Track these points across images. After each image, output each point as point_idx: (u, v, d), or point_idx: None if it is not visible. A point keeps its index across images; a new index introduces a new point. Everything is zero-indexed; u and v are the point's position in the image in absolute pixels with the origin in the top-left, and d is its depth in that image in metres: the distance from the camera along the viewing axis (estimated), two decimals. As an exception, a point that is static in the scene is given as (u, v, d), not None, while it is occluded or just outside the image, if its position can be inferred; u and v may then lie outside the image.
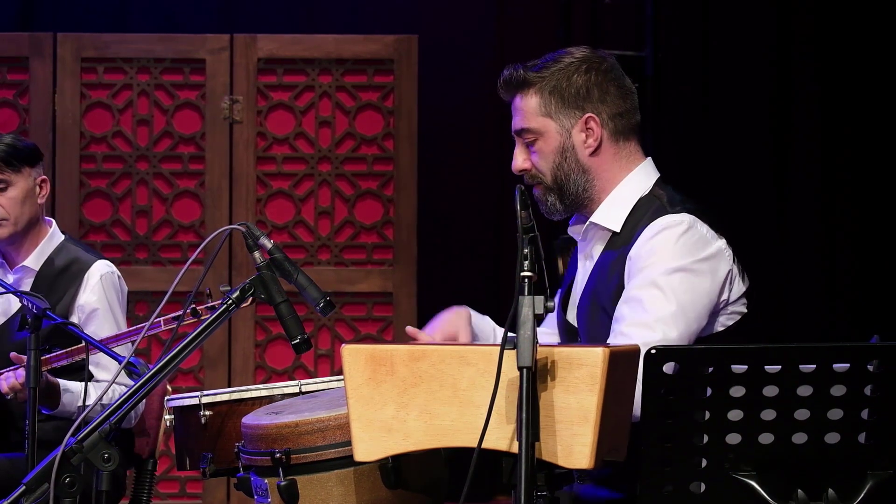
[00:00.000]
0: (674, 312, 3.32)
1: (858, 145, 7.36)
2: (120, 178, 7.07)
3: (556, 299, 3.67)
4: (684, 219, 3.41)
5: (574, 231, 3.62)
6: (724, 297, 3.41)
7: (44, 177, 4.76)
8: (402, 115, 7.08)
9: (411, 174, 7.09)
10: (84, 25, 7.18)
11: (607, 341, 3.37)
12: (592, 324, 3.47)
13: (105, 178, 7.06)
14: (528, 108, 3.52)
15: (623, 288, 3.40)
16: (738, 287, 3.44)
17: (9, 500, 3.05)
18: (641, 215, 3.46)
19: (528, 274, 2.83)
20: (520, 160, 3.56)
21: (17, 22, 7.30)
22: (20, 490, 3.05)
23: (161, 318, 4.16)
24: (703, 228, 3.41)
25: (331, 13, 7.42)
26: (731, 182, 7.25)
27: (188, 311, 3.90)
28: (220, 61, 7.06)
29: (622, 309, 3.38)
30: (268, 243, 3.35)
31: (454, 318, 3.59)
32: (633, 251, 3.41)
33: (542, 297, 2.80)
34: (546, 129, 3.51)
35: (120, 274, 4.78)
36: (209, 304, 3.89)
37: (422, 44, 7.11)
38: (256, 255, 3.34)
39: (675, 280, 3.34)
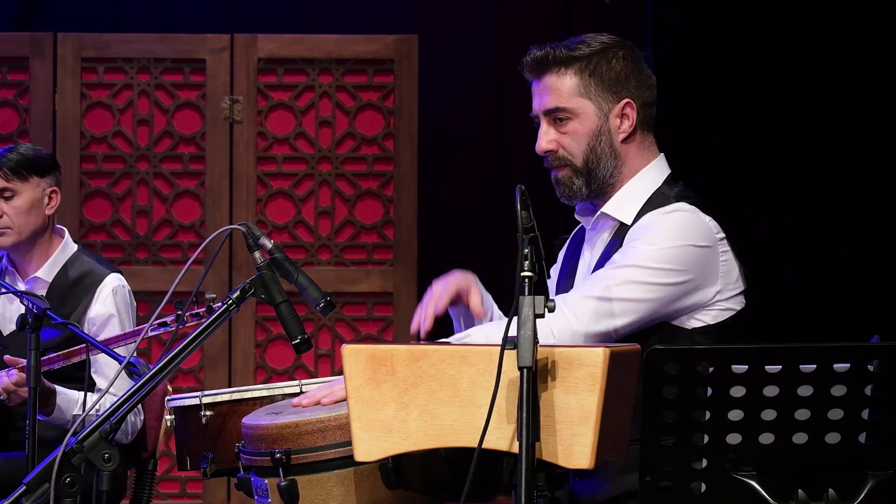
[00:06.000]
0: (621, 301, 3.31)
1: (860, 145, 7.35)
2: (120, 178, 7.07)
3: (554, 277, 3.65)
4: (683, 206, 3.41)
5: (583, 219, 3.59)
6: (716, 289, 3.38)
7: (54, 188, 4.74)
8: (403, 115, 7.08)
9: (411, 174, 7.08)
10: (84, 25, 7.18)
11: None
12: None
13: (105, 178, 7.06)
14: (564, 88, 3.46)
15: None
16: (736, 284, 3.42)
17: (9, 500, 3.05)
18: (651, 209, 3.44)
19: (528, 274, 2.82)
20: (545, 140, 3.48)
21: (18, 22, 7.30)
22: (21, 490, 3.05)
23: (145, 325, 4.20)
24: (704, 217, 3.40)
25: (331, 13, 7.42)
26: (733, 181, 7.25)
27: (172, 318, 3.92)
28: (220, 61, 7.05)
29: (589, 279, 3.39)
30: (268, 243, 3.34)
31: (467, 276, 3.49)
32: (629, 232, 3.41)
33: (542, 297, 2.80)
34: (584, 110, 3.46)
35: (131, 289, 4.77)
36: (194, 311, 3.90)
37: (422, 44, 7.11)
38: (257, 255, 3.33)
39: (653, 262, 3.32)
